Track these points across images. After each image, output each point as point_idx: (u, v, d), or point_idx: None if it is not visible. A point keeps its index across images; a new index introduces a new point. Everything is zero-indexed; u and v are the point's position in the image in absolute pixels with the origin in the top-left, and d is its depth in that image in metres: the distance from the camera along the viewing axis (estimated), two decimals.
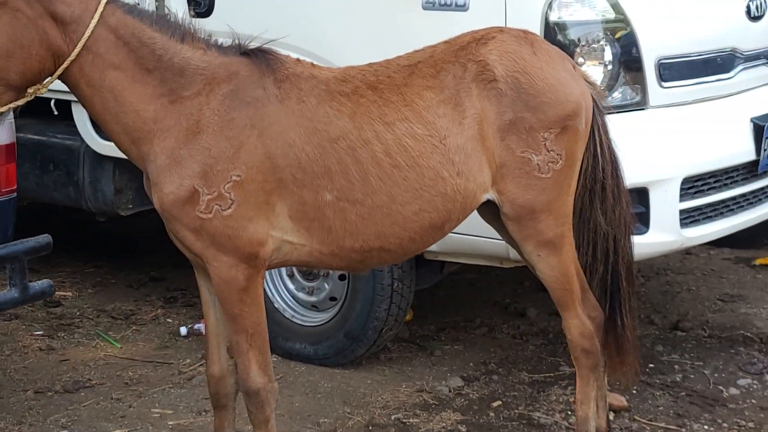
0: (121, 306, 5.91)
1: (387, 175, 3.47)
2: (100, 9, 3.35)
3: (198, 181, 3.37)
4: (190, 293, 6.06)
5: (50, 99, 5.35)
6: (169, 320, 5.73)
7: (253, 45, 3.58)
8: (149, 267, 6.49)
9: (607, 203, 3.79)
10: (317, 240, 3.51)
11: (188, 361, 5.20)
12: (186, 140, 3.39)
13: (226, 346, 3.74)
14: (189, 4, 5.15)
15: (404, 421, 4.54)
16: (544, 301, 5.70)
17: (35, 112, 4.88)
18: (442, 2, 4.50)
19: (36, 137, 5.70)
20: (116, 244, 6.97)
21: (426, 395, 4.78)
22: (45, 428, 4.48)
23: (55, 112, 5.53)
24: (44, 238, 4.16)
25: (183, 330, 5.53)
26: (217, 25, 5.07)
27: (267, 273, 5.17)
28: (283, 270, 5.19)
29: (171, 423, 4.54)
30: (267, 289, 5.19)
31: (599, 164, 3.74)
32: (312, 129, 3.44)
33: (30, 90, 3.40)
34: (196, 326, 5.53)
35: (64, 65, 3.36)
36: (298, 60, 3.63)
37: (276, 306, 5.19)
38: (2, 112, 3.41)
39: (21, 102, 3.43)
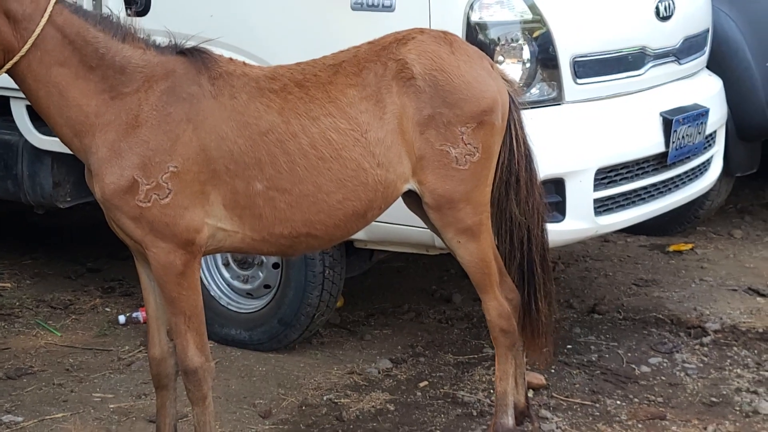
0: (60, 296, 6.04)
1: (313, 166, 3.67)
2: (50, 8, 3.51)
3: (137, 171, 3.54)
4: (126, 283, 6.21)
5: None
6: (107, 309, 5.87)
7: (189, 45, 3.76)
8: (85, 258, 6.60)
9: (521, 195, 4.00)
10: (249, 227, 3.71)
11: (127, 347, 5.35)
12: (126, 134, 3.56)
13: (166, 329, 3.92)
14: (126, 4, 5.28)
15: (336, 401, 4.74)
16: (468, 287, 5.93)
17: None
18: (370, 3, 4.68)
19: None
20: (52, 236, 7.08)
21: (356, 377, 4.99)
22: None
23: None
24: None
25: (121, 318, 5.68)
26: (153, 24, 5.22)
27: (203, 262, 5.35)
28: (219, 259, 5.36)
29: (112, 406, 4.70)
30: (203, 278, 5.35)
31: (515, 157, 3.95)
32: (243, 123, 3.63)
33: None
34: (134, 315, 5.68)
35: (13, 60, 3.51)
36: (230, 59, 3.82)
37: (212, 294, 5.35)
38: None
39: None
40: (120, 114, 3.58)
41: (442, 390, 4.84)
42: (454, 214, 3.85)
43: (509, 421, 4.08)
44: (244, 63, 3.82)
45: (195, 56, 3.69)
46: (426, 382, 4.92)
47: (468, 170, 3.79)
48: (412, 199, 3.97)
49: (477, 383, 4.90)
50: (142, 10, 5.28)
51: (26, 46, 3.50)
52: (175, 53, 3.69)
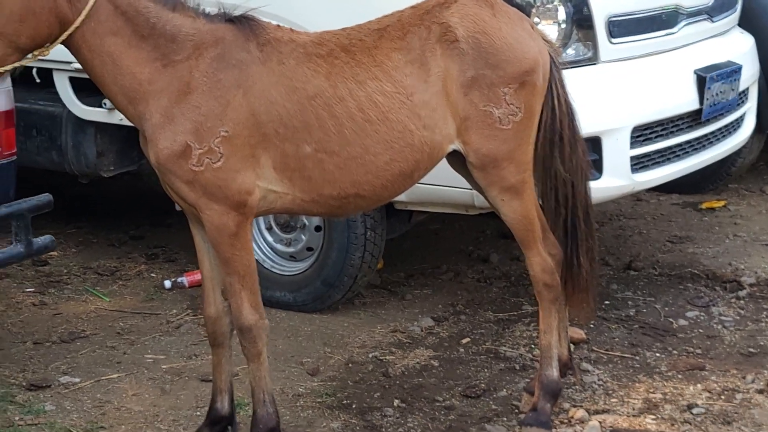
0: (106, 263, 6.18)
1: (360, 128, 3.78)
2: None
3: (190, 136, 3.66)
4: (169, 249, 6.35)
5: (32, 68, 5.59)
6: (152, 275, 6.01)
7: (238, 13, 3.86)
8: (128, 226, 6.74)
9: (565, 152, 4.08)
10: (299, 188, 3.83)
11: (174, 311, 5.49)
12: (178, 100, 3.68)
13: (220, 289, 4.06)
14: None
15: (381, 358, 4.88)
16: (505, 247, 6.09)
17: (16, 81, 5.12)
18: None
19: (19, 104, 5.90)
20: (94, 205, 7.23)
21: (400, 335, 5.12)
22: (47, 374, 4.77)
23: (37, 80, 5.78)
24: (45, 197, 4.44)
25: (167, 283, 5.81)
26: None
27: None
28: (262, 223, 5.49)
29: (165, 367, 4.85)
30: None
31: (557, 116, 4.03)
32: (291, 87, 3.74)
33: (35, 52, 3.68)
34: (179, 279, 5.81)
35: (69, 31, 3.62)
36: (278, 26, 3.92)
37: (257, 257, 5.45)
38: (6, 71, 3.67)
39: (25, 63, 3.70)
40: (172, 81, 3.69)
41: (484, 346, 4.97)
42: (498, 173, 3.95)
43: (554, 373, 4.18)
44: (291, 29, 3.92)
45: (243, 24, 3.79)
46: (468, 339, 5.05)
47: (511, 130, 3.89)
48: (455, 159, 4.08)
49: (518, 339, 5.02)
50: None
51: (80, 17, 3.62)
52: (224, 21, 3.79)
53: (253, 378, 3.97)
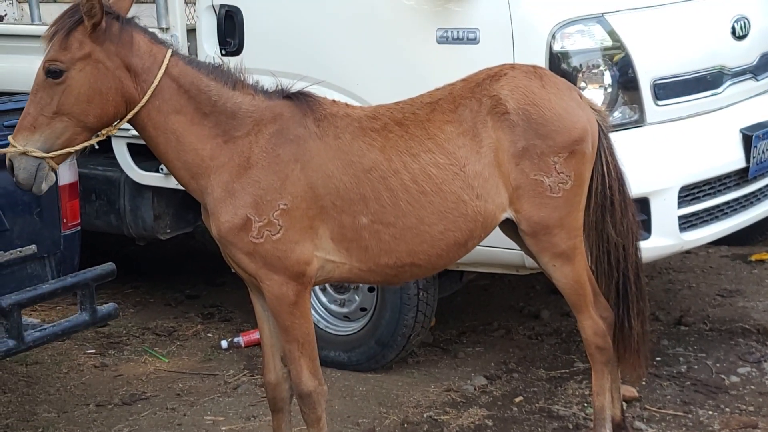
0: (163, 323, 6.35)
1: (415, 199, 3.90)
2: (166, 61, 3.79)
3: (250, 210, 3.80)
4: (225, 309, 6.51)
5: None
6: (209, 335, 6.16)
7: (295, 89, 4.01)
8: (183, 286, 6.92)
9: (616, 216, 4.17)
10: (356, 258, 3.95)
11: (232, 371, 5.62)
12: (239, 175, 3.83)
13: (280, 355, 4.18)
14: (220, 44, 5.59)
15: (435, 418, 4.97)
16: (555, 303, 6.17)
17: None
18: (455, 36, 4.90)
19: (78, 170, 6.10)
20: (150, 265, 7.41)
21: (453, 394, 5.20)
22: None
23: (96, 147, 5.96)
24: (109, 266, 4.58)
25: (224, 343, 5.96)
26: (246, 63, 5.50)
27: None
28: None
29: (224, 428, 4.97)
30: None
31: (607, 182, 4.13)
32: (348, 161, 3.88)
33: (103, 131, 3.84)
34: (236, 339, 5.96)
35: (135, 110, 3.78)
36: (334, 101, 4.07)
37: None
38: (77, 151, 3.81)
39: (93, 141, 3.85)
40: (233, 156, 3.84)
41: (537, 404, 5.04)
42: (549, 240, 4.06)
43: None
44: (346, 104, 4.07)
45: (300, 99, 3.94)
46: (521, 397, 5.12)
47: (561, 197, 3.99)
48: (507, 225, 4.18)
49: (571, 397, 5.09)
50: (236, 50, 5.57)
51: (146, 97, 3.78)
52: (281, 98, 3.95)
53: None
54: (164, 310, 6.58)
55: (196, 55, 5.73)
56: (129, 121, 3.85)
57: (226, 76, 3.92)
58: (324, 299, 5.64)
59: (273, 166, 3.82)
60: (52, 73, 3.68)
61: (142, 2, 7.36)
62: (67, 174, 4.67)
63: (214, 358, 5.83)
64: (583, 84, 4.82)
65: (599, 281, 4.27)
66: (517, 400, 5.11)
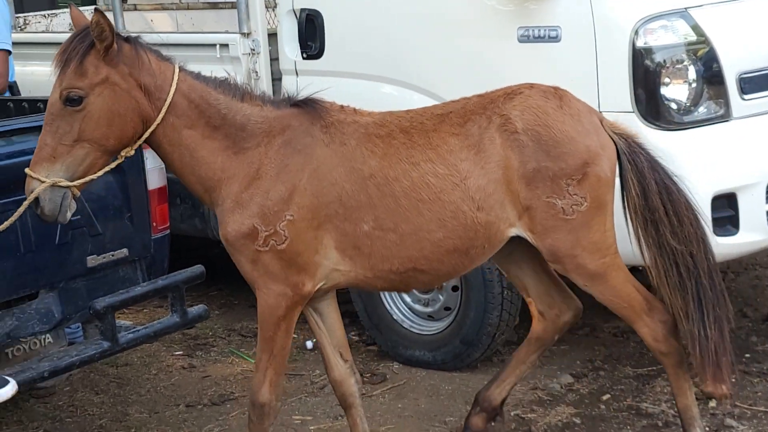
0: (248, 325, 6.46)
1: (414, 207, 3.92)
2: (176, 77, 3.84)
3: (257, 219, 3.85)
4: None
5: None
6: (294, 335, 6.17)
7: (302, 96, 4.04)
8: None
9: (672, 226, 4.06)
10: (360, 265, 3.98)
11: (317, 371, 5.70)
12: (248, 185, 3.87)
13: (339, 352, 4.27)
14: (301, 48, 5.68)
15: (523, 416, 5.00)
16: None
17: None
18: (537, 35, 4.94)
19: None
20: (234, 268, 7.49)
21: (540, 392, 5.24)
22: None
23: None
24: (198, 269, 4.70)
25: (309, 344, 6.05)
26: (326, 66, 5.67)
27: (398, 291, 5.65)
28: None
29: (312, 428, 5.06)
30: (386, 303, 5.71)
31: (649, 197, 4.04)
32: (350, 168, 3.91)
33: (122, 153, 3.87)
34: None
35: (152, 128, 3.83)
36: (342, 107, 4.09)
37: (395, 318, 5.69)
38: (98, 176, 3.83)
39: (114, 165, 3.91)
40: (242, 167, 3.88)
41: (624, 402, 5.05)
42: (574, 262, 4.02)
43: None
44: (354, 110, 4.08)
45: (308, 107, 3.98)
46: (608, 395, 5.14)
47: (576, 219, 3.95)
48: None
49: (659, 394, 5.09)
50: (317, 53, 5.66)
51: (161, 114, 3.83)
52: (289, 106, 3.98)
53: None
54: (249, 311, 6.67)
55: (278, 59, 5.85)
56: (146, 141, 3.89)
57: (234, 88, 3.96)
58: (408, 299, 5.70)
59: (281, 176, 3.87)
60: (71, 101, 3.72)
61: (222, 8, 7.51)
62: (156, 179, 4.80)
63: (299, 359, 5.92)
64: (667, 80, 4.82)
65: (672, 295, 4.12)
66: (604, 397, 5.12)
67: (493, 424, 4.58)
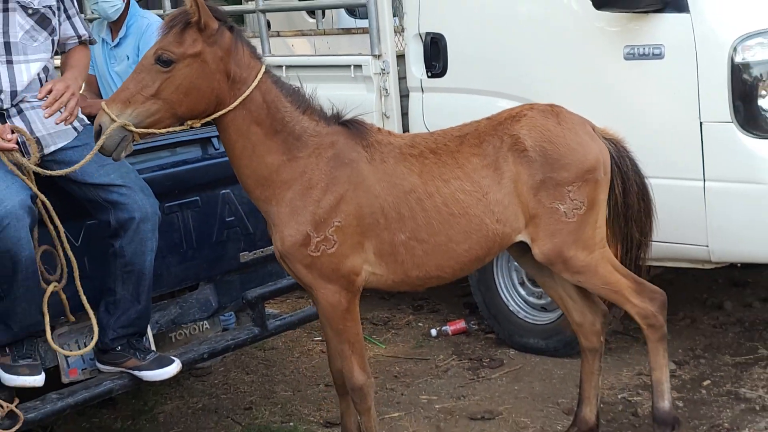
0: (379, 314, 6.48)
1: (445, 220, 3.88)
2: (260, 76, 3.77)
3: (309, 227, 3.80)
4: (432, 301, 6.60)
5: None
6: (419, 324, 6.26)
7: (348, 116, 3.98)
8: None
9: (640, 222, 4.20)
10: (391, 271, 3.93)
11: (441, 356, 5.70)
12: (301, 194, 3.81)
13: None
14: (426, 68, 5.69)
15: (629, 399, 4.92)
16: (737, 294, 6.01)
17: None
18: (642, 53, 4.83)
19: None
20: None
21: (644, 378, 5.13)
22: (338, 413, 4.96)
23: None
24: None
25: (433, 332, 6.05)
26: (450, 83, 5.66)
27: (503, 281, 5.66)
28: (515, 278, 5.65)
29: (437, 406, 5.05)
30: (502, 295, 5.68)
31: (629, 195, 4.13)
32: (391, 183, 3.86)
33: (189, 122, 3.79)
34: (443, 328, 6.04)
35: (223, 111, 3.74)
36: (379, 129, 4.05)
37: (511, 309, 5.65)
38: (160, 133, 3.73)
39: (177, 129, 3.82)
40: (294, 175, 3.81)
41: (724, 387, 4.93)
42: (568, 260, 4.00)
43: (666, 404, 4.21)
44: (389, 132, 4.06)
45: (353, 126, 3.93)
46: (709, 381, 5.01)
47: (575, 221, 3.95)
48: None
49: (756, 381, 4.95)
50: (440, 72, 5.66)
51: (235, 102, 3.74)
52: (337, 123, 3.92)
53: (365, 429, 4.12)
54: (379, 302, 6.71)
55: (405, 78, 5.87)
56: (214, 121, 3.81)
57: (300, 100, 3.89)
58: (523, 292, 5.66)
59: (331, 186, 3.81)
60: (162, 61, 3.64)
61: (355, 33, 7.56)
62: None
63: (425, 345, 5.92)
64: (763, 92, 4.66)
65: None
66: (705, 383, 5.00)
67: None
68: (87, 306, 3.93)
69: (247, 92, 3.73)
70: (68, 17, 4.19)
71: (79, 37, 4.27)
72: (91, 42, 4.38)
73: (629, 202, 4.15)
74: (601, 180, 4.02)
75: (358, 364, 4.01)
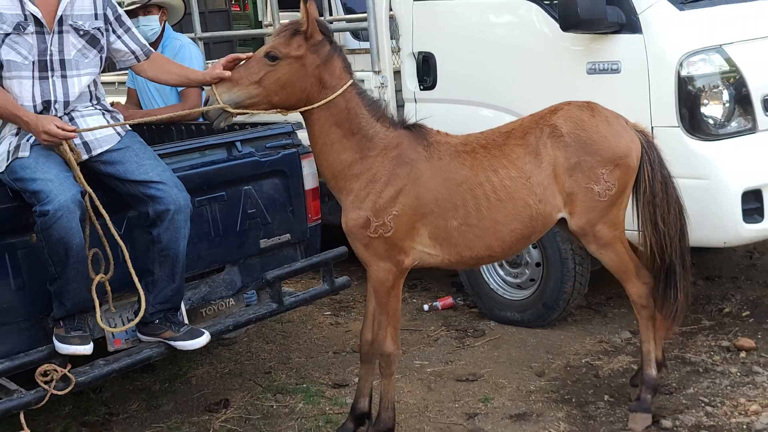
0: None
1: (494, 205, 3.88)
2: (346, 86, 3.81)
3: (370, 213, 3.82)
4: (425, 281, 6.58)
5: None
6: (414, 300, 6.25)
7: (412, 121, 4.01)
8: None
9: (663, 211, 4.05)
10: (446, 252, 3.94)
11: (432, 327, 5.70)
12: (366, 186, 3.83)
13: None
14: (419, 81, 5.70)
15: (591, 363, 4.94)
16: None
17: None
18: (601, 68, 4.85)
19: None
20: None
21: (605, 345, 5.15)
22: (345, 376, 5.08)
23: None
24: (342, 249, 4.73)
25: (425, 307, 6.03)
26: (439, 95, 5.67)
27: (484, 266, 5.66)
28: (495, 262, 5.66)
29: (428, 370, 5.06)
30: (484, 276, 5.69)
31: (654, 184, 4.04)
32: (445, 177, 3.87)
33: (279, 110, 3.83)
34: (434, 304, 6.03)
35: (307, 108, 3.79)
36: (438, 131, 4.04)
37: (492, 287, 5.66)
38: (253, 113, 3.84)
39: (267, 113, 3.88)
40: (363, 170, 3.84)
41: (672, 353, 4.93)
42: (594, 234, 4.00)
43: (653, 372, 4.23)
44: (446, 134, 4.04)
45: (415, 129, 3.95)
46: None
47: (606, 201, 3.94)
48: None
49: (700, 347, 4.96)
50: (431, 85, 5.67)
51: (320, 103, 3.78)
52: (402, 127, 3.94)
53: (383, 390, 4.12)
54: None
55: (401, 90, 5.87)
56: (302, 114, 3.85)
57: (377, 109, 3.91)
58: (501, 273, 5.66)
59: (392, 181, 3.82)
60: (270, 57, 3.71)
61: (358, 53, 7.55)
62: (311, 181, 4.84)
63: (418, 318, 5.92)
64: (705, 101, 4.69)
65: (653, 261, 4.13)
66: None
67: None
68: (138, 285, 3.92)
69: (331, 97, 3.77)
70: (118, 36, 4.14)
71: (133, 52, 4.17)
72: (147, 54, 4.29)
73: (655, 191, 4.04)
74: (633, 167, 3.97)
75: (391, 335, 4.01)
